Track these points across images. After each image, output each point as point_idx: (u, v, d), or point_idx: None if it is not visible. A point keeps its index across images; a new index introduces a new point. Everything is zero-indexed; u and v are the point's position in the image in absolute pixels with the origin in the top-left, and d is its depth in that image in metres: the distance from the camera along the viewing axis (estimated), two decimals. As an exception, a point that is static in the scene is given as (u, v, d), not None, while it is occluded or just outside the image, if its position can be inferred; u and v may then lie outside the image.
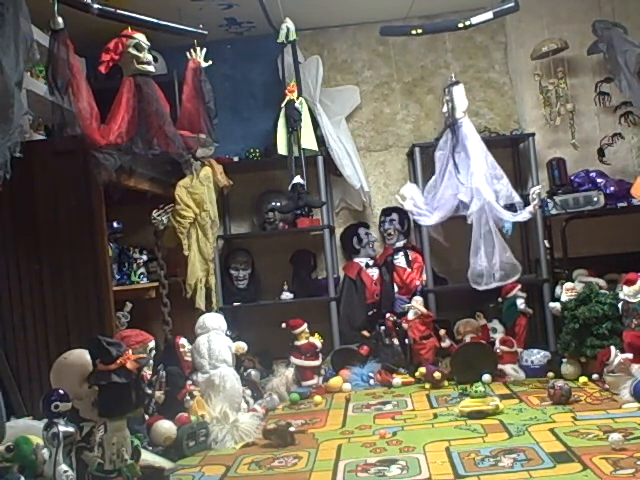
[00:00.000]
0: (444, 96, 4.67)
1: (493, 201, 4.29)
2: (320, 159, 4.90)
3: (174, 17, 4.00)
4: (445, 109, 4.64)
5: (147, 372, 3.14)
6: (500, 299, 4.51)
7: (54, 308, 3.26)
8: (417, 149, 4.86)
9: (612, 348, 3.59)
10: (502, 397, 3.68)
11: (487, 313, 4.54)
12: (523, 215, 4.34)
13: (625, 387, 3.39)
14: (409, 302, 4.66)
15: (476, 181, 4.34)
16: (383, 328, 4.59)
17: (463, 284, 4.54)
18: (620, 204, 4.53)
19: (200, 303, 4.08)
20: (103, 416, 2.35)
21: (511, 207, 4.41)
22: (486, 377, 4.05)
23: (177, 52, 4.28)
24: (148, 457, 2.76)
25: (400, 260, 5.01)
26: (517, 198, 4.38)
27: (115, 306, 3.39)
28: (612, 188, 4.57)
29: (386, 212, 5.14)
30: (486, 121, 5.16)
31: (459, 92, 4.61)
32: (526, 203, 4.38)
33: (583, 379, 3.86)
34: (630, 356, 3.53)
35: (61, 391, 2.31)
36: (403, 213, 5.02)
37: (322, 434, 3.33)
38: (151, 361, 3.28)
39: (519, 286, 4.46)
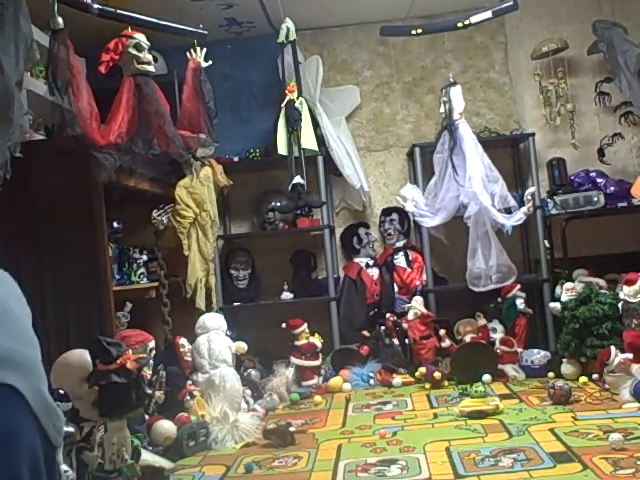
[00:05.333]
0: (442, 97, 4.67)
1: (489, 206, 4.31)
2: (320, 159, 4.90)
3: (174, 17, 4.00)
4: (442, 110, 4.65)
5: (147, 372, 3.14)
6: (500, 299, 4.51)
7: (54, 308, 3.24)
8: (417, 149, 4.86)
9: (612, 348, 3.59)
10: (502, 397, 3.68)
11: (487, 313, 4.54)
12: (518, 216, 4.35)
13: (625, 387, 3.39)
14: (409, 302, 4.66)
15: (473, 185, 4.35)
16: (383, 328, 4.59)
17: (463, 284, 4.55)
18: (620, 204, 4.53)
19: (200, 303, 4.07)
20: (103, 416, 2.35)
21: (507, 210, 4.42)
22: (486, 377, 4.05)
23: (177, 52, 4.27)
24: (148, 457, 2.76)
25: (400, 260, 5.01)
26: (512, 202, 4.40)
27: (115, 306, 3.38)
28: (612, 188, 4.57)
29: (386, 212, 5.14)
30: (486, 121, 5.15)
31: (456, 93, 4.61)
32: (523, 204, 4.39)
33: (583, 379, 3.86)
34: (630, 356, 3.53)
35: (61, 391, 2.30)
36: (403, 213, 5.02)
37: (322, 434, 3.34)
38: (151, 361, 3.28)
39: (518, 286, 4.47)
